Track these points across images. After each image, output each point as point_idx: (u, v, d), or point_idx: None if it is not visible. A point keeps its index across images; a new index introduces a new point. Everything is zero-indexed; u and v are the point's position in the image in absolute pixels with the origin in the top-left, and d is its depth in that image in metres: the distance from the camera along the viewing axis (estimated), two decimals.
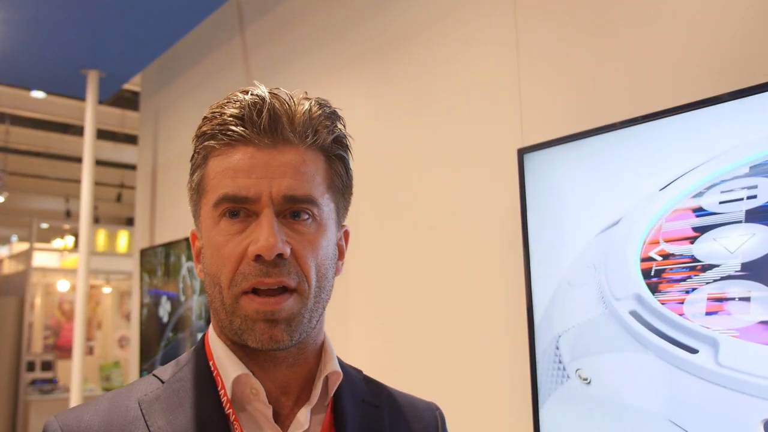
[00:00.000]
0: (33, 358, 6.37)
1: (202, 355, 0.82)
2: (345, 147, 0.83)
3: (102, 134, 9.58)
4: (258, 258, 0.72)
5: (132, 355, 4.11)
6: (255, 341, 0.74)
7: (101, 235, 8.83)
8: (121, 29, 3.37)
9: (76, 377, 3.62)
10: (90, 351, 8.24)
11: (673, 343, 1.39)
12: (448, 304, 2.08)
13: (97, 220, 11.87)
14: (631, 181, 1.52)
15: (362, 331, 2.42)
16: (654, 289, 1.44)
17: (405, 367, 2.21)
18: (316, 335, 0.82)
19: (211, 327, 0.84)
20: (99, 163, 10.68)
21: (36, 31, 3.37)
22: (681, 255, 1.40)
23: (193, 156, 0.81)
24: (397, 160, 2.33)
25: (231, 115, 0.76)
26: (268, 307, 0.73)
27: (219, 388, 0.78)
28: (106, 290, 8.41)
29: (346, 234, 0.88)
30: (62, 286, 7.88)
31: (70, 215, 12.94)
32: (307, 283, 0.75)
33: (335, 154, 0.81)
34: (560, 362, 1.62)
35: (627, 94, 1.65)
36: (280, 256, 0.73)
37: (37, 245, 6.73)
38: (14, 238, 13.72)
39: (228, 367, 0.78)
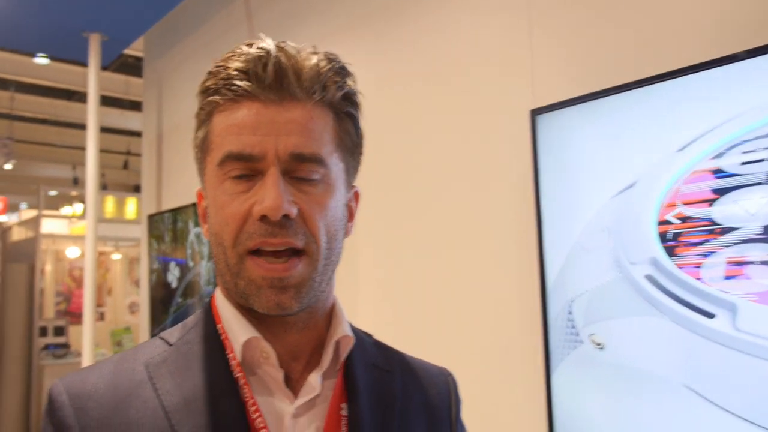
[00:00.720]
0: (45, 323, 6.45)
1: (209, 317, 0.79)
2: (355, 104, 0.79)
3: (107, 101, 9.54)
4: (263, 218, 0.70)
5: (142, 320, 4.14)
6: (261, 306, 0.71)
7: (109, 202, 8.83)
8: None
9: (87, 343, 3.65)
10: (101, 317, 8.34)
11: (689, 308, 1.36)
12: (458, 268, 2.05)
13: (104, 187, 11.89)
14: (648, 142, 1.47)
15: (371, 296, 2.40)
16: (670, 252, 1.41)
17: (414, 332, 2.20)
18: (325, 299, 0.79)
19: (217, 289, 0.82)
20: (105, 130, 10.67)
21: None
22: (699, 218, 1.36)
23: (197, 112, 0.77)
24: (404, 123, 2.29)
25: (235, 69, 0.72)
26: (275, 274, 0.71)
27: (228, 352, 0.76)
28: (116, 257, 8.46)
29: (356, 195, 0.85)
30: (72, 252, 7.93)
31: (77, 182, 12.97)
32: (316, 243, 0.73)
33: (344, 111, 0.78)
34: (573, 327, 1.60)
35: (643, 52, 1.59)
36: (286, 216, 0.70)
37: (46, 212, 6.74)
38: (23, 205, 13.79)
39: (237, 330, 0.76)
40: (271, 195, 0.69)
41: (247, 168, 0.72)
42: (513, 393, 1.86)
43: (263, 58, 0.72)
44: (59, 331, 6.45)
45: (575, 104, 1.63)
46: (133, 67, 8.05)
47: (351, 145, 0.80)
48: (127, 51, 7.04)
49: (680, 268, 1.38)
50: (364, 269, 2.44)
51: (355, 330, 0.85)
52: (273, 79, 0.71)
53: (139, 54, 6.86)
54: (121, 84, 9.40)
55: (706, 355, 1.33)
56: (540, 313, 1.69)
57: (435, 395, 0.89)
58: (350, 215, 0.83)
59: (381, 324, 2.35)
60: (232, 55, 0.74)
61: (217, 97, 0.73)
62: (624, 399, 1.48)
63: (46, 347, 6.24)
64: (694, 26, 1.50)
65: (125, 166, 12.48)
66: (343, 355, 0.80)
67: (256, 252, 0.71)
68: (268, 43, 0.73)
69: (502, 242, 1.92)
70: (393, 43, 2.36)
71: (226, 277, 0.74)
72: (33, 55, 8.22)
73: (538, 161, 1.71)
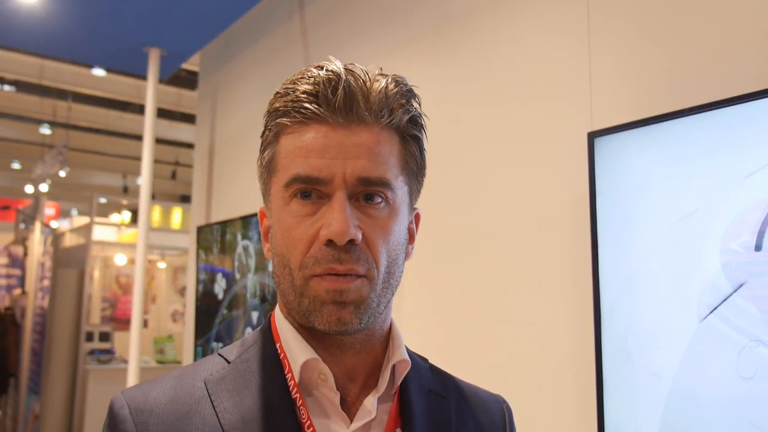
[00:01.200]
0: (92, 328, 6.60)
1: (268, 336, 0.80)
2: (420, 127, 0.80)
3: (159, 112, 9.79)
4: (329, 242, 0.70)
5: (187, 329, 4.20)
6: (322, 323, 0.72)
7: (156, 212, 9.04)
8: (183, 7, 3.39)
9: (134, 349, 3.72)
10: (145, 324, 8.50)
11: (757, 341, 1.31)
12: (511, 293, 2.03)
13: (152, 197, 12.20)
14: (711, 168, 1.43)
15: (419, 320, 2.39)
16: (735, 283, 1.36)
17: (463, 358, 2.17)
18: (383, 321, 0.79)
19: (277, 308, 0.82)
20: (155, 141, 10.97)
21: (99, 8, 3.43)
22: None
23: (264, 132, 0.79)
24: (460, 143, 2.28)
25: (304, 92, 0.73)
26: (337, 285, 0.71)
27: (286, 372, 0.76)
28: (161, 265, 8.63)
29: (417, 217, 0.85)
30: (119, 259, 8.12)
31: (127, 191, 13.32)
32: (377, 269, 0.73)
33: (410, 134, 0.78)
34: (628, 355, 1.56)
35: (704, 77, 1.56)
36: (351, 241, 0.70)
37: (97, 219, 6.93)
38: (74, 212, 14.23)
39: (296, 350, 0.76)
40: (338, 219, 0.69)
41: (314, 191, 0.72)
42: (564, 420, 1.82)
43: (332, 81, 0.72)
44: (104, 336, 6.59)
45: (634, 128, 1.60)
46: (185, 80, 8.26)
47: (416, 168, 0.80)
48: (181, 66, 7.23)
49: (745, 299, 1.34)
50: (412, 294, 2.42)
51: (411, 354, 0.85)
52: (342, 103, 0.72)
53: (192, 68, 7.04)
54: (174, 96, 9.66)
55: None
56: (593, 339, 1.65)
57: (489, 422, 0.88)
58: (411, 237, 0.83)
59: (427, 348, 2.33)
60: (302, 77, 0.74)
61: (285, 119, 0.74)
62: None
63: (92, 352, 6.38)
64: (755, 50, 1.46)
65: (173, 176, 12.78)
66: (399, 379, 0.80)
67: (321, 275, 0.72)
68: (337, 66, 0.74)
69: (557, 267, 1.88)
70: (450, 63, 2.36)
71: (289, 297, 0.75)
72: (91, 66, 8.53)
73: (595, 185, 1.68)
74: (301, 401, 0.74)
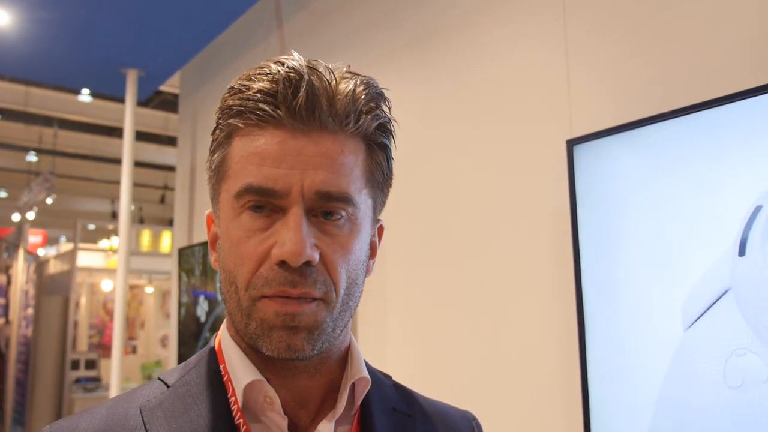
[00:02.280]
0: (78, 356, 6.48)
1: (212, 357, 0.73)
2: (389, 133, 0.72)
3: (146, 137, 9.76)
4: (282, 263, 0.63)
5: (171, 353, 4.11)
6: (271, 349, 0.64)
7: (145, 236, 8.97)
8: (160, 27, 3.36)
9: (115, 375, 3.63)
10: (133, 350, 8.37)
11: (743, 349, 1.26)
12: (492, 305, 1.97)
13: (141, 221, 12.10)
14: (692, 172, 1.39)
15: (401, 336, 2.33)
16: (721, 290, 1.31)
17: (444, 375, 2.11)
18: (340, 343, 0.73)
19: (223, 326, 0.75)
20: (143, 165, 10.93)
21: (77, 30, 3.39)
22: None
23: (214, 131, 0.71)
24: (441, 154, 2.24)
25: (260, 91, 0.65)
26: (289, 309, 0.64)
27: (229, 395, 0.69)
28: (149, 290, 8.52)
29: (380, 230, 0.78)
30: (106, 285, 8.02)
31: (115, 216, 13.22)
32: (335, 292, 0.66)
33: (378, 142, 0.71)
34: (614, 366, 1.50)
35: (684, 81, 1.53)
36: (307, 263, 0.63)
37: (82, 245, 6.85)
38: (63, 239, 14.09)
39: (240, 371, 0.69)
40: (292, 239, 0.62)
41: (267, 203, 0.65)
42: None
43: (293, 80, 0.64)
44: (91, 364, 6.47)
45: (613, 134, 1.56)
46: (171, 104, 8.23)
47: (381, 179, 0.73)
48: (167, 88, 7.21)
49: (730, 306, 1.28)
50: (393, 308, 2.37)
51: (372, 371, 0.78)
52: (303, 106, 0.64)
53: (178, 91, 7.03)
54: (161, 120, 9.62)
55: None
56: (578, 351, 1.59)
57: None
58: (372, 252, 0.76)
59: (410, 365, 2.27)
60: (258, 73, 0.66)
61: (238, 120, 0.67)
62: None
63: (78, 380, 6.26)
64: (732, 54, 1.43)
65: (162, 200, 12.70)
66: (360, 399, 0.73)
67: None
68: (299, 62, 0.66)
69: (538, 277, 1.84)
70: (430, 77, 2.33)
71: (236, 318, 0.68)
72: (77, 92, 8.49)
73: (576, 193, 1.64)
74: (245, 427, 0.67)
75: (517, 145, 1.95)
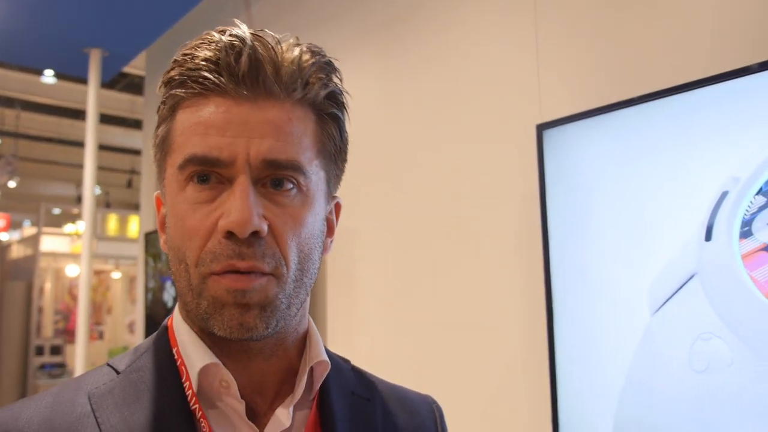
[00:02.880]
0: (42, 342, 6.36)
1: (164, 341, 0.70)
2: (341, 105, 0.70)
3: (112, 120, 9.55)
4: (229, 235, 0.61)
5: (138, 339, 4.06)
6: (222, 328, 0.62)
7: (112, 220, 8.81)
8: (123, 6, 3.27)
9: (80, 361, 3.57)
10: (100, 335, 8.24)
11: (709, 334, 1.27)
12: (460, 290, 1.97)
13: (108, 205, 11.88)
14: (662, 158, 1.39)
15: (370, 322, 2.32)
16: (687, 275, 1.32)
17: (412, 360, 2.11)
18: (297, 323, 0.70)
19: (176, 310, 0.72)
20: (110, 149, 10.72)
21: (38, 9, 3.28)
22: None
23: (159, 106, 0.68)
24: (408, 138, 2.22)
25: (204, 59, 0.63)
26: (239, 285, 0.61)
27: (183, 380, 0.66)
28: (116, 275, 8.39)
29: (338, 207, 0.76)
30: (71, 270, 7.86)
31: (81, 201, 12.97)
32: (286, 266, 0.63)
33: (328, 112, 0.68)
34: (582, 351, 1.51)
35: (655, 65, 1.53)
36: (255, 233, 0.61)
37: (45, 230, 6.70)
38: (27, 223, 13.78)
39: (194, 355, 0.66)
40: (239, 207, 0.60)
41: (213, 174, 0.63)
42: (520, 418, 1.77)
43: (236, 47, 0.62)
44: (56, 350, 6.36)
45: (583, 119, 1.56)
46: (138, 86, 8.06)
47: (334, 150, 0.70)
48: (133, 70, 7.05)
49: (696, 290, 1.30)
50: (362, 294, 2.35)
51: (331, 355, 0.76)
52: (247, 73, 0.62)
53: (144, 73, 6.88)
54: (127, 103, 9.42)
55: None
56: (546, 337, 1.60)
57: (419, 424, 0.80)
58: (330, 230, 0.73)
59: (379, 351, 2.26)
60: (201, 43, 0.64)
61: (181, 91, 0.64)
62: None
63: (43, 366, 6.15)
64: (704, 37, 1.43)
65: (129, 184, 12.48)
66: (318, 383, 0.71)
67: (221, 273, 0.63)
68: (243, 30, 0.64)
69: (506, 260, 1.83)
70: (398, 60, 2.30)
71: (186, 297, 0.65)
72: (40, 73, 8.26)
73: (545, 178, 1.63)
74: (201, 413, 0.65)
75: (487, 129, 1.94)
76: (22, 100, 9.35)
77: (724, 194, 1.26)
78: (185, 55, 0.64)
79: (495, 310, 1.86)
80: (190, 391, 0.65)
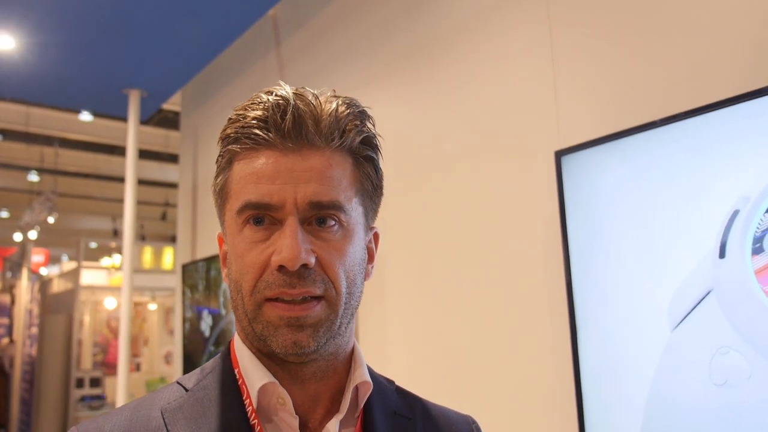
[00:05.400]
0: (82, 374, 6.51)
1: (227, 362, 0.79)
2: (374, 147, 0.80)
3: (146, 154, 9.81)
4: (281, 268, 0.70)
5: (176, 369, 4.15)
6: (278, 346, 0.71)
7: (147, 253, 9.00)
8: (162, 48, 3.44)
9: (121, 392, 3.67)
10: (137, 367, 8.38)
11: (726, 348, 1.32)
12: (486, 311, 2.02)
13: (143, 238, 12.13)
14: (677, 179, 1.45)
15: (400, 341, 2.38)
16: (703, 291, 1.37)
17: (441, 377, 2.16)
18: (345, 343, 0.79)
19: (236, 334, 0.82)
20: (144, 182, 10.97)
21: (80, 53, 3.47)
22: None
23: (217, 158, 0.79)
24: (433, 167, 2.30)
25: (254, 118, 0.73)
26: (292, 313, 0.71)
27: (244, 398, 0.75)
28: (152, 306, 8.55)
29: (376, 236, 0.85)
30: (109, 303, 8.05)
31: (117, 234, 13.25)
32: (335, 290, 0.73)
33: (364, 155, 0.78)
34: (605, 369, 1.56)
35: (669, 90, 1.59)
36: (305, 266, 0.70)
37: (85, 263, 6.89)
38: (65, 257, 14.12)
39: (253, 375, 0.75)
40: (288, 245, 0.69)
41: (266, 216, 0.73)
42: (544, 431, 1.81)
43: (281, 105, 0.72)
44: (95, 382, 6.49)
45: (600, 144, 1.62)
46: (171, 121, 8.30)
47: (371, 188, 0.80)
48: (167, 106, 7.29)
49: (713, 306, 1.34)
50: (392, 316, 2.42)
51: (375, 376, 0.84)
52: (291, 127, 0.72)
53: (178, 108, 7.10)
54: (161, 138, 9.68)
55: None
56: (571, 356, 1.65)
57: None
58: (370, 257, 0.83)
59: (409, 369, 2.31)
60: (251, 103, 0.75)
61: (236, 146, 0.75)
62: None
63: (83, 398, 6.28)
64: (718, 61, 1.50)
65: (163, 217, 12.74)
66: (362, 402, 0.79)
67: (274, 299, 0.72)
68: (287, 91, 0.74)
69: (530, 281, 1.89)
70: (421, 91, 2.40)
71: (243, 323, 0.75)
72: (77, 111, 8.57)
73: (564, 204, 1.70)
74: (259, 427, 0.73)
75: (507, 156, 2.01)
76: (60, 137, 9.68)
77: (736, 213, 1.32)
78: (238, 114, 0.76)
79: (520, 329, 1.91)
80: (251, 407, 0.74)
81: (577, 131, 1.79)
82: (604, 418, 1.56)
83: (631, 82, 1.68)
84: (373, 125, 0.80)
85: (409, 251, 2.35)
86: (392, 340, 2.41)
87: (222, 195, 0.79)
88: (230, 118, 0.77)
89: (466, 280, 2.11)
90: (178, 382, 0.80)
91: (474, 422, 0.92)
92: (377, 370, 0.89)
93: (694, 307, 1.38)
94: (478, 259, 2.08)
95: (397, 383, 0.90)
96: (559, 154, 1.72)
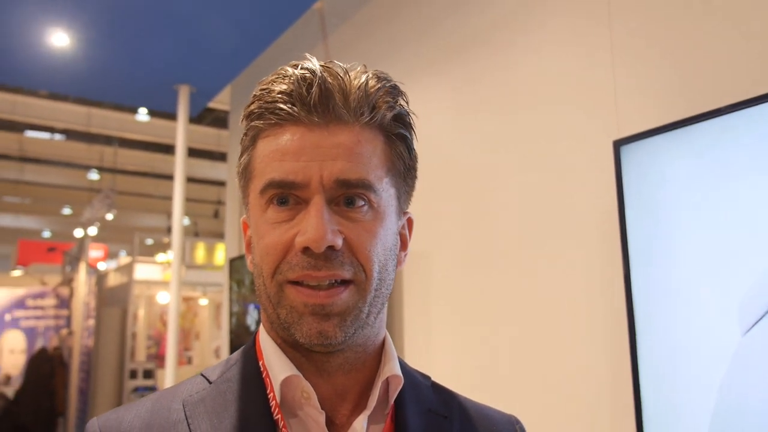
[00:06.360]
0: (135, 366, 6.67)
1: (251, 354, 0.74)
2: (407, 125, 0.74)
3: (200, 153, 10.02)
4: (306, 250, 0.65)
5: None
6: (303, 336, 0.66)
7: (200, 249, 9.14)
8: (209, 44, 3.45)
9: (170, 384, 3.70)
10: (189, 360, 8.55)
11: None
12: (538, 310, 1.93)
13: (196, 234, 12.39)
14: (750, 170, 1.32)
15: (447, 339, 2.30)
16: None
17: (491, 380, 2.07)
18: (375, 334, 0.73)
19: (261, 325, 0.77)
20: (198, 181, 11.20)
21: (131, 49, 3.52)
22: None
23: (242, 138, 0.74)
24: (484, 159, 2.21)
25: (279, 92, 0.68)
26: (317, 300, 0.65)
27: (268, 391, 0.70)
28: (203, 302, 8.70)
29: (410, 222, 0.78)
30: (162, 298, 8.22)
31: (171, 231, 13.59)
32: (365, 273, 0.67)
33: (396, 133, 0.72)
34: (667, 373, 1.44)
35: (738, 72, 1.47)
36: (331, 248, 0.64)
37: (139, 258, 7.05)
38: (123, 253, 14.56)
39: (277, 367, 0.70)
40: (314, 225, 0.64)
41: (290, 196, 0.67)
42: None
43: (308, 79, 0.67)
44: (148, 374, 6.65)
45: (662, 133, 1.51)
46: (224, 121, 8.45)
47: (403, 169, 0.74)
48: (220, 106, 7.40)
49: None
50: (438, 312, 2.34)
51: (409, 370, 0.78)
52: (318, 102, 0.67)
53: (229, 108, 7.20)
54: (214, 137, 9.87)
55: None
56: (629, 358, 1.54)
57: None
58: (403, 244, 0.76)
59: (455, 368, 2.23)
60: (276, 77, 0.70)
61: (260, 122, 0.70)
62: None
63: (136, 389, 6.43)
64: None
65: (216, 215, 13.00)
66: (393, 397, 0.73)
67: (297, 282, 0.66)
68: (314, 63, 0.69)
69: (586, 280, 1.78)
70: (474, 80, 2.32)
71: (268, 310, 0.70)
72: (135, 112, 8.80)
73: (623, 196, 1.58)
74: (283, 422, 0.68)
75: (563, 147, 1.91)
76: (118, 137, 9.97)
77: None
78: (263, 89, 0.70)
79: (575, 333, 1.80)
80: (274, 401, 0.69)
81: (638, 119, 1.68)
82: (665, 428, 1.44)
83: (696, 64, 1.57)
84: (407, 102, 0.74)
85: (458, 250, 2.27)
86: (439, 340, 2.33)
87: (246, 175, 0.73)
88: (254, 94, 0.71)
89: (517, 279, 2.02)
90: (202, 374, 0.76)
91: (518, 422, 0.84)
92: (422, 370, 0.82)
93: None
94: (529, 257, 1.98)
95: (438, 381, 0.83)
96: (618, 144, 1.61)
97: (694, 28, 1.58)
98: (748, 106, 1.34)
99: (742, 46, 1.47)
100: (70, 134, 9.96)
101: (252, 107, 0.71)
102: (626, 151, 1.60)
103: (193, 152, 9.72)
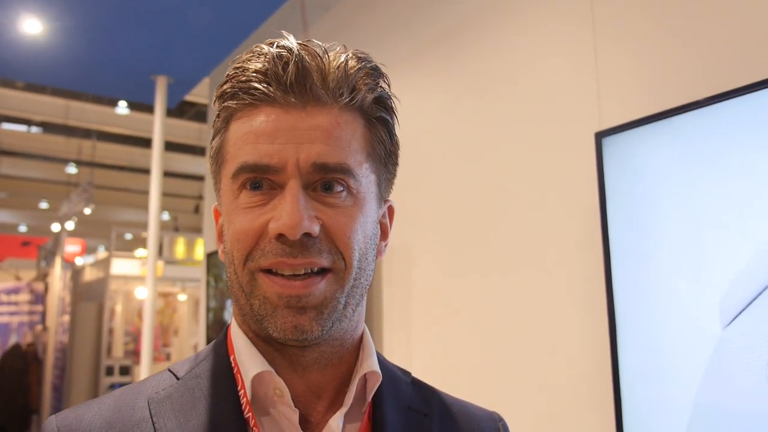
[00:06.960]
0: (112, 362, 6.57)
1: (222, 348, 0.70)
2: (389, 109, 0.70)
3: (181, 148, 9.91)
4: (280, 237, 0.60)
5: None
6: (277, 330, 0.61)
7: (180, 244, 9.05)
8: (187, 33, 3.39)
9: None
10: (167, 357, 8.45)
11: None
12: (519, 305, 1.90)
13: (176, 229, 12.27)
14: (732, 163, 1.31)
15: (427, 334, 2.27)
16: (760, 286, 1.22)
17: (471, 377, 2.05)
18: (353, 328, 0.69)
19: (233, 317, 0.73)
20: (179, 176, 11.08)
21: (106, 38, 3.45)
22: None
23: (214, 120, 0.69)
24: (466, 149, 2.19)
25: (254, 71, 0.64)
26: (293, 291, 0.61)
27: (239, 388, 0.66)
28: (182, 297, 8.61)
29: (391, 210, 0.75)
30: (141, 293, 8.11)
31: None
32: (345, 261, 0.63)
33: (377, 116, 0.68)
34: (647, 368, 1.42)
35: (720, 64, 1.45)
36: (307, 235, 0.60)
37: (117, 253, 6.95)
38: (101, 248, 14.38)
39: (248, 362, 0.66)
40: (288, 211, 0.60)
41: (264, 180, 0.63)
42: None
43: (284, 57, 0.63)
44: (125, 370, 6.55)
45: (644, 124, 1.49)
46: (205, 115, 8.36)
47: (384, 154, 0.70)
48: (201, 99, 7.31)
49: None
50: (418, 301, 2.31)
51: (388, 366, 0.75)
52: (294, 81, 0.63)
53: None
54: (195, 131, 9.77)
55: None
56: (609, 353, 1.52)
57: None
58: (383, 233, 0.73)
59: (435, 364, 2.21)
60: (251, 56, 0.66)
61: (233, 102, 0.65)
62: None
63: (112, 386, 6.34)
64: None
65: (196, 210, 12.88)
66: (370, 394, 0.69)
67: (270, 270, 0.62)
68: (291, 41, 0.65)
69: (566, 273, 1.76)
70: (455, 71, 2.29)
71: (240, 301, 0.65)
72: (114, 104, 8.67)
73: (605, 188, 1.56)
74: (254, 421, 0.64)
75: (544, 139, 1.89)
76: (97, 130, 9.83)
77: None
78: (236, 68, 0.66)
79: (555, 326, 1.78)
80: (245, 399, 0.65)
81: (619, 111, 1.65)
82: (644, 423, 1.42)
83: (678, 56, 1.55)
84: (388, 85, 0.70)
85: (438, 242, 2.24)
86: (419, 332, 2.30)
87: (217, 159, 0.69)
88: (227, 74, 0.67)
89: (498, 272, 1.99)
90: (169, 370, 0.72)
91: (501, 420, 0.81)
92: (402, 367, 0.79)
93: (750, 302, 1.24)
94: (511, 250, 1.95)
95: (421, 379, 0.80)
96: (600, 136, 1.59)
97: (676, 21, 1.56)
98: (730, 98, 1.32)
99: (723, 39, 1.45)
100: (48, 127, 9.80)
101: (225, 87, 0.67)
102: (608, 143, 1.57)
103: (174, 146, 9.61)
